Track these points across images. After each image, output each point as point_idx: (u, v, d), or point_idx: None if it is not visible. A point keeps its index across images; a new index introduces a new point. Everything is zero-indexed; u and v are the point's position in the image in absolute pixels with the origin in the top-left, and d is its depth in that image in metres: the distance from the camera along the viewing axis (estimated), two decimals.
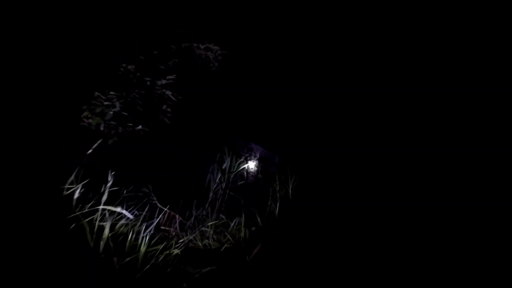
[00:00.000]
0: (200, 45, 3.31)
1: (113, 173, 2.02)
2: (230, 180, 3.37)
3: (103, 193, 1.94)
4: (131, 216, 2.11)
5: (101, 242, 1.81)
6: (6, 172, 1.76)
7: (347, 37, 3.40)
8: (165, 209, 2.96)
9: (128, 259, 1.92)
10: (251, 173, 3.66)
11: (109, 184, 1.95)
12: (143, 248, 1.97)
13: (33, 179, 1.82)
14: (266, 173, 3.54)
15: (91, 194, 2.23)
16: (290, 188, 3.10)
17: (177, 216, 3.01)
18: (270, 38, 3.60)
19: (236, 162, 3.44)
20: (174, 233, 2.77)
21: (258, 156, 3.64)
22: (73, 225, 1.75)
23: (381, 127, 3.20)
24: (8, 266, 1.36)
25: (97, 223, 1.85)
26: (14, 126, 2.07)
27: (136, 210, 2.64)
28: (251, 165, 3.53)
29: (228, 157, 3.40)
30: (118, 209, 1.89)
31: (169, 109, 3.12)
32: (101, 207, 1.83)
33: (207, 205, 3.22)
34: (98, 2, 2.86)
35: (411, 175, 2.90)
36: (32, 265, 1.41)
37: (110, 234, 2.12)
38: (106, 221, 1.87)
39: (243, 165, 3.55)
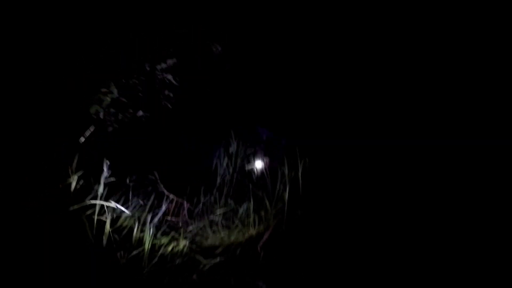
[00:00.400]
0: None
1: (109, 163, 1.93)
2: (237, 165, 3.28)
3: (103, 184, 1.86)
4: (126, 211, 2.04)
5: (104, 237, 1.75)
6: (6, 172, 1.74)
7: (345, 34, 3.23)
8: (173, 197, 2.90)
9: (134, 252, 1.87)
10: (258, 157, 3.56)
11: (105, 175, 1.86)
12: (148, 240, 1.91)
13: (33, 179, 1.80)
14: (274, 156, 3.44)
15: (95, 186, 2.16)
16: (299, 171, 3.00)
17: (185, 203, 2.95)
18: (271, 37, 3.46)
19: (242, 146, 3.33)
20: (182, 222, 2.72)
21: (265, 139, 3.53)
22: (70, 221, 1.69)
23: (397, 118, 3.03)
24: (8, 266, 1.34)
25: (96, 217, 1.78)
26: (14, 126, 2.05)
27: (142, 199, 2.58)
28: (258, 149, 3.42)
29: (234, 141, 3.29)
30: (113, 204, 1.81)
31: (171, 94, 3.00)
32: (97, 202, 1.75)
33: (215, 191, 3.15)
34: (98, 2, 2.84)
35: (430, 169, 2.69)
36: (32, 265, 1.39)
37: (114, 227, 2.07)
38: (107, 214, 1.81)
39: (250, 149, 3.45)
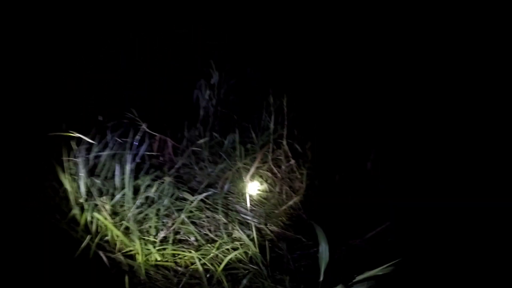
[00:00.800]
0: None
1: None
2: (221, 96, 3.09)
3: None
4: (93, 141, 1.91)
5: (81, 183, 1.66)
6: (6, 172, 1.76)
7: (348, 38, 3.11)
8: (154, 134, 2.76)
9: (117, 197, 1.80)
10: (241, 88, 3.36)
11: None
12: (129, 182, 1.83)
13: (33, 179, 1.80)
14: (258, 87, 3.24)
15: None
16: (284, 100, 2.85)
17: (168, 140, 2.84)
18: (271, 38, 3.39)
19: (225, 76, 3.10)
20: (166, 160, 2.64)
21: (248, 72, 3.29)
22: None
23: None
24: (8, 266, 1.34)
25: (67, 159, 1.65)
26: (14, 126, 2.07)
27: (120, 137, 2.42)
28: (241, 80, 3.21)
29: (215, 71, 3.04)
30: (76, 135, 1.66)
31: None
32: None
33: (198, 125, 3.02)
34: (98, 2, 2.86)
35: None
36: (32, 265, 1.37)
37: (91, 170, 1.97)
38: (79, 154, 1.68)
39: (233, 80, 3.23)
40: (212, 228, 1.92)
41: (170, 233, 1.74)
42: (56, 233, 1.55)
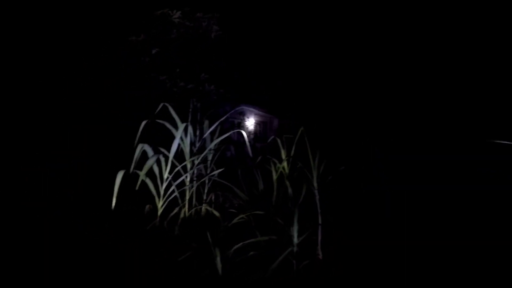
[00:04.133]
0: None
1: None
2: (195, 170, 1.74)
3: None
4: None
5: None
6: (6, 172, 1.76)
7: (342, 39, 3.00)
8: None
9: None
10: (240, 147, 2.07)
11: None
12: None
13: (33, 179, 1.80)
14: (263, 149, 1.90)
15: None
16: (315, 174, 1.48)
17: None
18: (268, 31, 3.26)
19: (204, 130, 1.77)
20: None
21: (252, 121, 2.00)
22: None
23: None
24: (8, 266, 1.24)
25: None
26: (15, 127, 2.09)
27: None
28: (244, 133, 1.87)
29: (188, 123, 1.71)
30: None
31: None
32: None
33: (157, 221, 1.65)
34: (99, 2, 2.92)
35: None
36: (32, 265, 1.26)
37: None
38: None
39: (225, 134, 1.84)
40: None
41: None
42: None
